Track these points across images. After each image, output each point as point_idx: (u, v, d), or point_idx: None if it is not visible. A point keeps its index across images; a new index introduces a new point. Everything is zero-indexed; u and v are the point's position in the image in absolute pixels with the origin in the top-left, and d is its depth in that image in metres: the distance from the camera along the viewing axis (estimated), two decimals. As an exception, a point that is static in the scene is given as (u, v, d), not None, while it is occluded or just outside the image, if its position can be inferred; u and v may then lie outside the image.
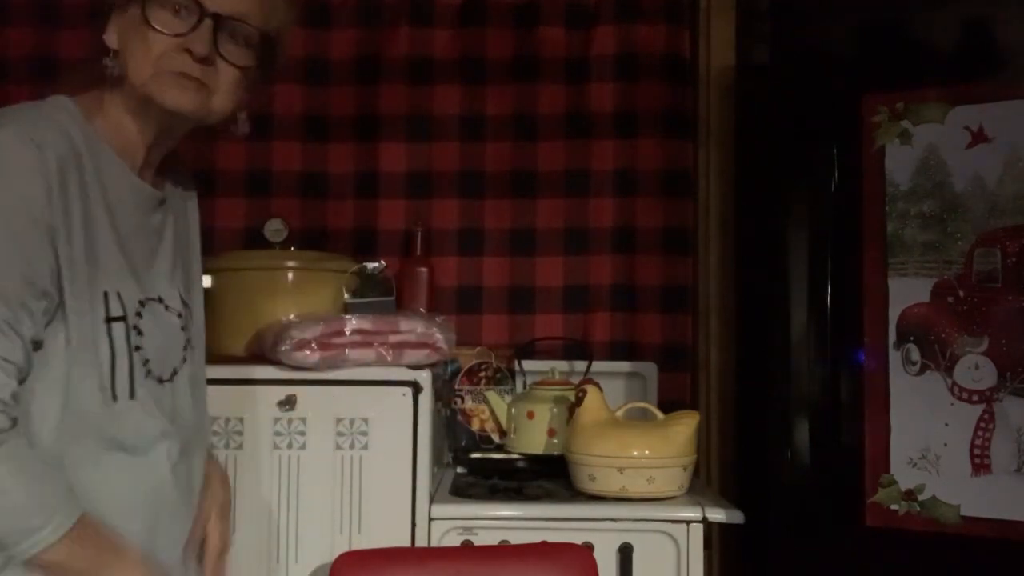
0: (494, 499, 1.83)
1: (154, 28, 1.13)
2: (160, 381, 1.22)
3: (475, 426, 2.16)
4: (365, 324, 1.74)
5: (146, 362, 1.19)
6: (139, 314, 1.18)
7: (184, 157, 1.37)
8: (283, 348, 1.70)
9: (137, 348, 1.17)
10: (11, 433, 1.03)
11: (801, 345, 1.84)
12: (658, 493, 1.79)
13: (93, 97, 1.19)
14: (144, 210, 1.24)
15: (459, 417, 2.17)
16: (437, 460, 1.89)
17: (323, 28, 2.36)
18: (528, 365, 2.23)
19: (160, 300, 1.24)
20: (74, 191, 1.10)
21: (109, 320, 1.14)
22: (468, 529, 1.75)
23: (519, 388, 2.20)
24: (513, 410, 2.06)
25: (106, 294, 1.14)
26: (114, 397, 1.14)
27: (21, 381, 1.06)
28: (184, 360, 1.27)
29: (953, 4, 1.77)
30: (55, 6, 2.32)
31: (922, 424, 1.73)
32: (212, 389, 1.72)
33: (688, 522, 1.74)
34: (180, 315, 1.28)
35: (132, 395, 1.16)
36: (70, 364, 1.10)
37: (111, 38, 1.16)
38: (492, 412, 2.13)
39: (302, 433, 1.74)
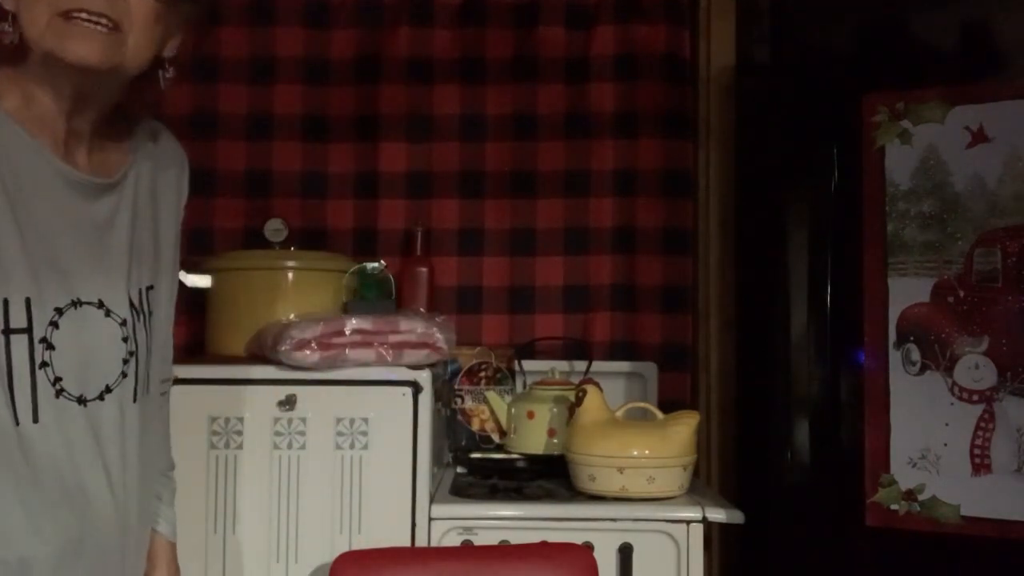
0: (494, 499, 1.83)
1: None
2: (82, 401, 1.06)
3: (475, 426, 2.17)
4: (365, 324, 1.74)
5: (57, 380, 1.03)
6: (54, 323, 1.03)
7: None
8: (283, 348, 1.70)
9: (43, 365, 1.02)
10: None
11: (801, 345, 1.85)
12: (658, 493, 1.79)
13: (3, 74, 1.03)
14: (78, 197, 1.07)
15: (459, 417, 2.17)
16: (437, 460, 1.89)
17: (323, 28, 2.36)
18: (528, 365, 2.23)
19: (100, 304, 1.09)
20: None
21: (8, 332, 0.99)
22: (468, 529, 1.75)
23: (519, 388, 2.20)
24: (513, 410, 2.06)
25: (6, 301, 0.99)
26: (16, 420, 1.00)
27: None
28: (123, 376, 1.11)
29: (953, 4, 1.77)
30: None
31: (922, 424, 1.73)
32: (212, 389, 1.74)
33: (688, 522, 1.74)
34: (124, 323, 1.11)
35: (35, 419, 1.01)
36: None
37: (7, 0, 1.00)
38: (492, 412, 2.13)
39: (302, 433, 1.74)
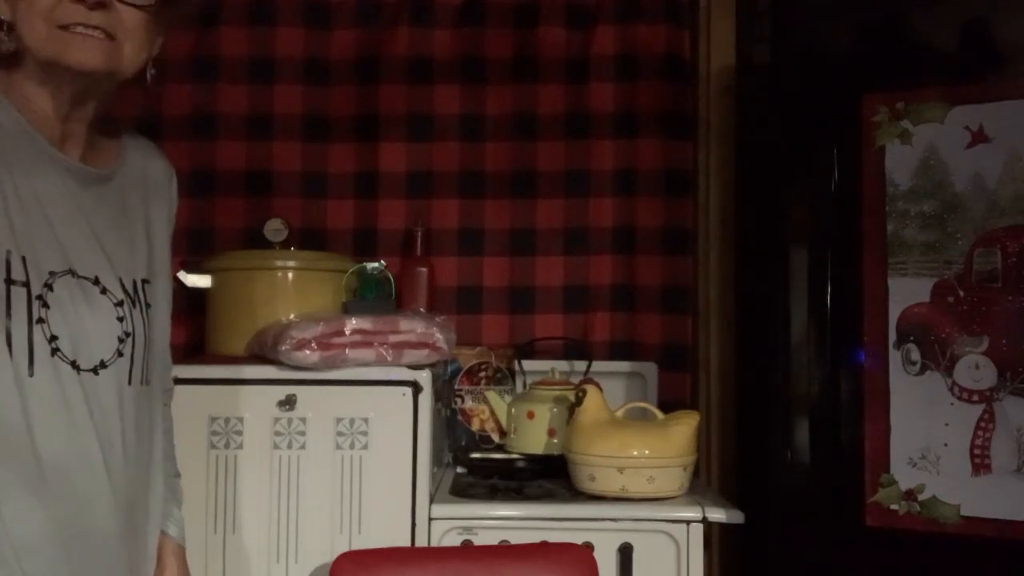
0: (494, 499, 1.83)
1: None
2: (76, 368, 1.07)
3: (475, 426, 2.16)
4: (365, 324, 1.74)
5: (53, 339, 1.04)
6: (49, 286, 1.05)
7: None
8: (283, 348, 1.70)
9: (40, 320, 1.03)
10: None
11: (801, 345, 1.84)
12: (658, 493, 1.79)
13: (1, 75, 1.09)
14: (71, 182, 1.11)
15: (459, 417, 2.17)
16: (437, 460, 1.89)
17: (323, 28, 2.36)
18: (528, 365, 2.23)
19: (96, 281, 1.11)
20: None
21: (8, 281, 1.01)
22: (468, 529, 1.75)
23: (519, 388, 2.20)
24: (513, 410, 2.06)
25: (8, 252, 1.02)
26: (11, 365, 1.01)
27: None
28: (119, 355, 1.12)
29: (953, 4, 1.77)
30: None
31: (922, 424, 1.72)
32: (212, 389, 1.74)
33: (688, 522, 1.74)
34: (121, 303, 1.13)
35: (31, 372, 1.02)
36: None
37: (1, 8, 1.05)
38: (492, 412, 2.13)
39: (302, 433, 1.74)
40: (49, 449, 1.04)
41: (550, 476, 1.95)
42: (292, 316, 1.85)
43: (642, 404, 1.96)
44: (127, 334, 1.13)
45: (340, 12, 2.37)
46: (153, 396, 1.21)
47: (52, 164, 1.09)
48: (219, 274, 2.00)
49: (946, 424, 1.71)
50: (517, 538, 1.73)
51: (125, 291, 1.14)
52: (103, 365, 1.10)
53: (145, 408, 1.18)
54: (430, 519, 1.74)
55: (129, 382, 1.13)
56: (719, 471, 2.25)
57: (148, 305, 1.19)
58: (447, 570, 1.60)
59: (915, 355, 1.74)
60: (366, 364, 1.73)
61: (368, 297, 2.01)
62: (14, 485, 1.02)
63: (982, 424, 1.68)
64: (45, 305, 1.04)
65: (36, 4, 1.03)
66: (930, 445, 1.72)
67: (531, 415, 2.02)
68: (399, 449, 1.73)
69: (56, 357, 1.05)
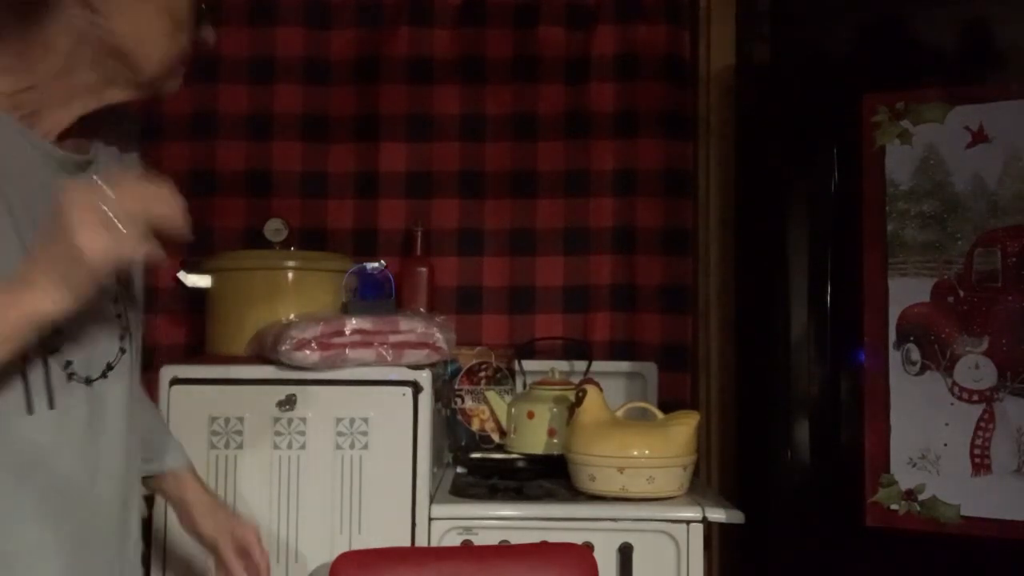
0: (494, 499, 1.83)
1: None
2: (88, 381, 1.04)
3: (475, 426, 2.16)
4: (365, 324, 1.74)
5: (67, 364, 1.01)
6: None
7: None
8: (283, 348, 1.70)
9: (54, 351, 0.99)
10: None
11: (801, 345, 1.85)
12: (658, 493, 1.79)
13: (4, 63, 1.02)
14: (60, 173, 1.05)
15: (459, 417, 2.17)
16: (437, 460, 1.89)
17: (323, 28, 2.36)
18: (528, 365, 2.23)
19: None
20: None
21: None
22: (468, 529, 1.75)
23: (519, 388, 2.20)
24: (513, 410, 2.06)
25: None
26: (29, 409, 0.97)
27: None
28: (123, 352, 1.10)
29: (953, 4, 1.77)
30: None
31: (922, 424, 1.73)
32: (212, 389, 1.74)
33: (688, 522, 1.74)
34: (116, 299, 1.09)
35: (51, 404, 0.99)
36: None
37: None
38: (492, 412, 2.13)
39: (302, 433, 1.74)
40: (67, 471, 1.03)
41: (550, 476, 1.95)
42: (292, 316, 1.85)
43: (642, 404, 1.96)
44: (125, 329, 1.11)
45: (340, 12, 2.37)
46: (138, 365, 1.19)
47: (41, 156, 1.03)
48: (219, 274, 2.00)
49: (946, 424, 1.71)
50: (517, 538, 1.73)
51: (116, 279, 1.10)
52: (110, 367, 1.08)
53: (138, 396, 1.18)
54: (430, 519, 1.74)
55: (130, 373, 1.13)
56: (719, 471, 2.25)
57: (130, 282, 1.16)
58: (447, 570, 1.60)
59: (915, 355, 1.74)
60: (366, 364, 1.73)
61: (368, 297, 2.01)
62: (28, 507, 1.00)
63: (982, 424, 1.68)
64: (57, 331, 0.98)
65: None
66: (930, 445, 1.72)
67: (531, 415, 2.02)
68: (399, 449, 1.73)
69: (74, 382, 1.02)
